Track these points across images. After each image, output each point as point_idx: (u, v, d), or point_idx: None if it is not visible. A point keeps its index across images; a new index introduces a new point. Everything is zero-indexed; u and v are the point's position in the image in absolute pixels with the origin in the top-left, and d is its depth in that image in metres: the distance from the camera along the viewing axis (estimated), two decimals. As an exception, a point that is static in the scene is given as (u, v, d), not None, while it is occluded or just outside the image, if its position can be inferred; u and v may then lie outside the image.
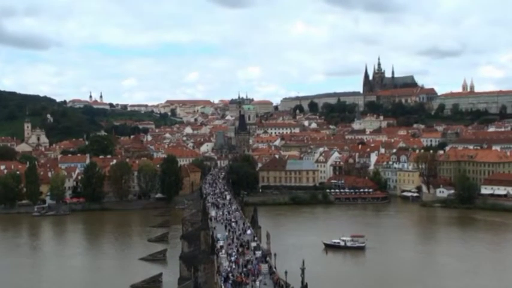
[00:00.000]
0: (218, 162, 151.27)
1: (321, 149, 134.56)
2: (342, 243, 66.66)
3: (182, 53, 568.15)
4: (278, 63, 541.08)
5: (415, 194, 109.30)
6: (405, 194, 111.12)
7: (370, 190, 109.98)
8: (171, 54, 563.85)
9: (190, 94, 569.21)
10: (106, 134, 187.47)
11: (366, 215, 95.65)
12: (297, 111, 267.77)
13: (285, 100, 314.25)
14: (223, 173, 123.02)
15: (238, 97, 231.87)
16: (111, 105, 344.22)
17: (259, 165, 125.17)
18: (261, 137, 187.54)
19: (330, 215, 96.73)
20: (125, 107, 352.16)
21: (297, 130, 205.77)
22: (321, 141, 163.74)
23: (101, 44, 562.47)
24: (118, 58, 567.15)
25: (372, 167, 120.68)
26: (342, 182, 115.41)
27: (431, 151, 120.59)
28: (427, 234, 79.35)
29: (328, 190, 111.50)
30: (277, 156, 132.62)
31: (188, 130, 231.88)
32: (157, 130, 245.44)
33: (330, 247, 66.64)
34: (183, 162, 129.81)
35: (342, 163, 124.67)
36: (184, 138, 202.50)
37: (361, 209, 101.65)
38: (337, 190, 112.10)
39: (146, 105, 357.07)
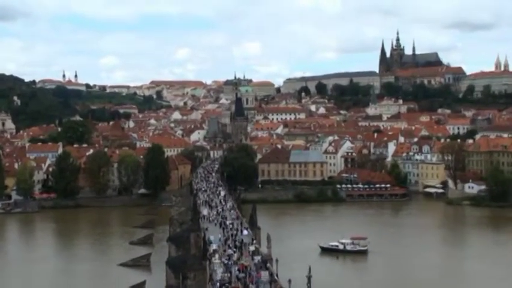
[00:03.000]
0: (211, 152, 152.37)
1: (330, 138, 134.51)
2: (341, 247, 67.12)
3: (169, 26, 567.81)
4: (280, 39, 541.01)
5: (440, 190, 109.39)
6: (428, 190, 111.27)
7: (388, 186, 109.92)
8: (156, 28, 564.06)
9: (179, 74, 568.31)
10: (81, 119, 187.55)
11: (382, 215, 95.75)
12: (303, 93, 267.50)
13: (288, 81, 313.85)
14: (216, 166, 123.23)
15: (235, 77, 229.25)
16: (87, 86, 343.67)
17: (259, 156, 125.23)
18: (261, 123, 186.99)
19: (341, 215, 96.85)
20: (103, 88, 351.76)
21: (302, 116, 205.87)
22: (330, 128, 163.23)
23: (75, 15, 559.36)
24: (95, 32, 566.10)
25: (389, 159, 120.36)
26: (355, 176, 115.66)
27: (458, 140, 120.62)
28: (453, 237, 79.46)
29: (338, 186, 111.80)
30: (279, 146, 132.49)
31: (176, 115, 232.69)
32: (140, 115, 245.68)
33: (327, 251, 67.14)
34: (170, 152, 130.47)
35: (354, 154, 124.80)
36: (172, 125, 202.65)
37: (377, 207, 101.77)
38: (349, 186, 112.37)
39: (128, 87, 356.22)
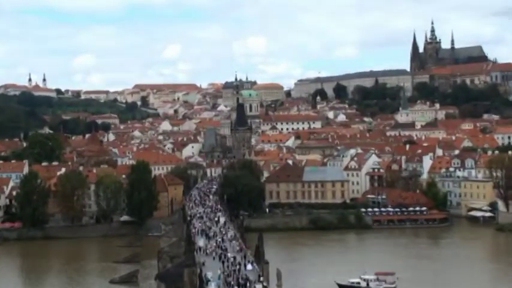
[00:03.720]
0: (208, 170, 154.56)
1: (352, 151, 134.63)
2: (363, 284, 66.95)
3: (156, 19, 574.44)
4: (290, 32, 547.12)
5: (488, 214, 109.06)
6: (474, 213, 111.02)
7: (424, 209, 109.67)
8: (141, 20, 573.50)
9: (169, 76, 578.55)
10: (51, 132, 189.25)
11: (416, 244, 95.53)
12: (318, 98, 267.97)
13: (300, 83, 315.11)
14: (215, 186, 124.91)
15: (236, 79, 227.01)
16: (58, 91, 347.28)
17: (266, 174, 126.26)
18: (268, 134, 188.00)
19: (365, 245, 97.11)
20: (77, 94, 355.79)
21: (318, 125, 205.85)
22: (352, 139, 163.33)
23: (45, 7, 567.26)
24: (68, 27, 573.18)
25: (425, 176, 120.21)
26: (383, 197, 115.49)
27: (509, 152, 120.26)
28: (505, 272, 78.16)
29: (363, 209, 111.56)
30: (290, 161, 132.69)
31: (166, 126, 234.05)
32: (122, 126, 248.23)
33: None
34: (158, 171, 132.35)
35: (382, 171, 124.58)
36: (161, 138, 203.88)
37: (410, 235, 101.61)
38: (375, 209, 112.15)
39: (107, 92, 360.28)
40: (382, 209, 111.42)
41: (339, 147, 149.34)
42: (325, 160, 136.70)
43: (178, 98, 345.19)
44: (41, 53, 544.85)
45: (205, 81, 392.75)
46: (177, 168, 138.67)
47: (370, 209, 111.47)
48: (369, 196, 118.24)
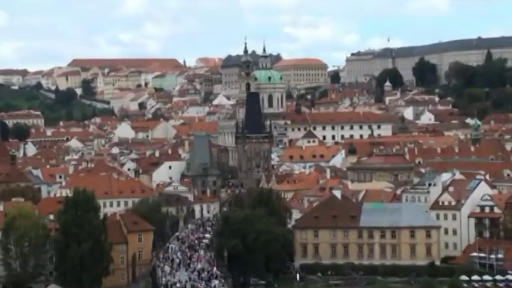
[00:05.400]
0: (196, 208, 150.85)
1: (446, 176, 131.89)
2: None
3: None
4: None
5: None
6: None
7: None
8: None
9: (130, 46, 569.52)
10: None
11: None
12: (387, 84, 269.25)
13: (357, 58, 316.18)
14: (208, 235, 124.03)
15: (245, 52, 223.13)
16: None
17: (296, 215, 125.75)
18: (300, 147, 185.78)
19: None
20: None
21: (386, 130, 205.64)
22: (445, 156, 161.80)
23: None
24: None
25: None
26: (500, 256, 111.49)
27: None
28: None
29: (464, 277, 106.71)
30: (338, 193, 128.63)
31: (125, 131, 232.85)
32: (50, 132, 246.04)
33: None
34: (111, 208, 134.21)
35: (498, 211, 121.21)
36: (115, 151, 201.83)
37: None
38: (486, 277, 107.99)
39: (25, 72, 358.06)
40: (499, 277, 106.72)
41: (422, 170, 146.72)
42: (398, 192, 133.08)
43: (146, 84, 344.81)
44: None
45: (192, 56, 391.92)
46: (144, 203, 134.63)
47: (476, 277, 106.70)
48: (475, 254, 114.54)
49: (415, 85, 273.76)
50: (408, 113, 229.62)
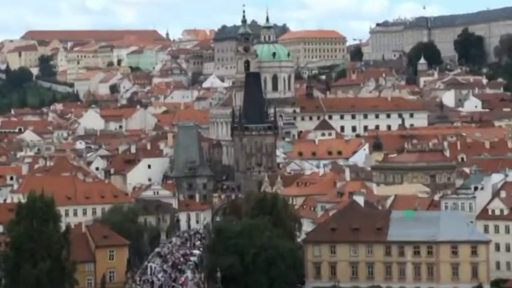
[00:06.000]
0: (182, 216, 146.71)
1: (496, 178, 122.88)
2: None
3: None
4: None
5: None
6: None
7: None
8: None
9: (99, 14, 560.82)
10: None
11: None
12: (421, 61, 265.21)
13: (383, 30, 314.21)
14: (197, 251, 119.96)
15: (243, 22, 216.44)
16: None
17: (308, 227, 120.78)
18: (313, 140, 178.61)
19: None
20: None
21: (421, 120, 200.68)
22: (495, 152, 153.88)
23: None
24: None
25: None
26: None
27: None
28: None
29: None
30: (360, 199, 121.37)
31: (92, 121, 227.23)
32: None
33: None
34: (76, 218, 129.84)
35: None
36: (81, 146, 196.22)
37: None
38: None
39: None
40: None
41: (467, 170, 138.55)
42: (436, 197, 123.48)
43: (119, 62, 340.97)
44: None
45: (177, 27, 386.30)
46: (117, 211, 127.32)
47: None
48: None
49: (457, 63, 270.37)
50: (448, 98, 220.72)
